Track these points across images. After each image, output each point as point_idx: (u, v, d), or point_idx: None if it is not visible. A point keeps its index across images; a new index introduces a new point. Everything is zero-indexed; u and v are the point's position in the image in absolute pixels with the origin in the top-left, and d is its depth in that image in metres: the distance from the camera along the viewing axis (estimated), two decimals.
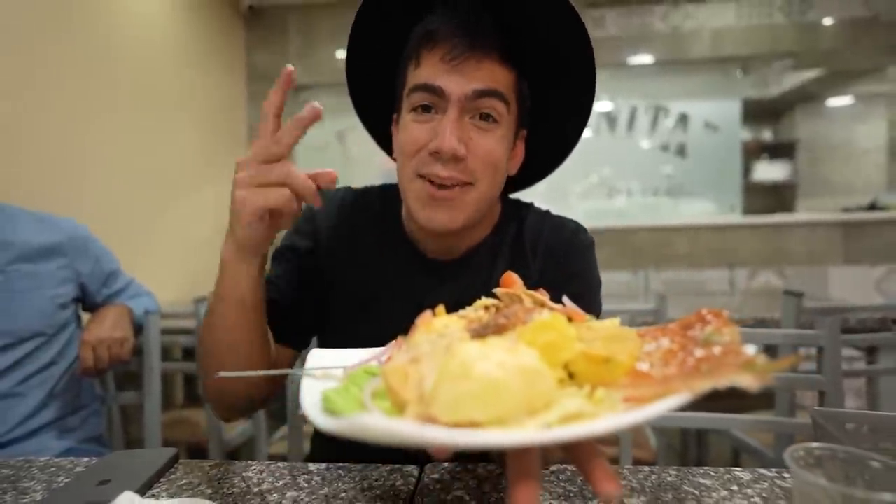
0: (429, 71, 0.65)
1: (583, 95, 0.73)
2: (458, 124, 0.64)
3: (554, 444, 0.29)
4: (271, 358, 0.71)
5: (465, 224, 0.69)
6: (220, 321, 0.63)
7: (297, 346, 0.79)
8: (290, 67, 0.57)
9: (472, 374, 0.31)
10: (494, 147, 0.67)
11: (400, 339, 0.44)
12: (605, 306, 0.81)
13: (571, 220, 0.81)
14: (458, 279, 0.75)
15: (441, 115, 0.65)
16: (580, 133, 0.77)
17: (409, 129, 0.67)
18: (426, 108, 0.66)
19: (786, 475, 0.55)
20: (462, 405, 0.30)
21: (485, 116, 0.66)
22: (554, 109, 0.75)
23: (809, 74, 4.72)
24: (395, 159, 0.75)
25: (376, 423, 0.28)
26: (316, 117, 0.55)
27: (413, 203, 0.69)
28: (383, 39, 0.72)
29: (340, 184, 0.86)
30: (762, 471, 0.56)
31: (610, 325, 0.40)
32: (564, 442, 0.29)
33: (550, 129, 0.77)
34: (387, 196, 0.80)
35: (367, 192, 0.82)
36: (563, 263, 0.75)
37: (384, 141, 0.83)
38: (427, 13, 0.68)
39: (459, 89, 0.64)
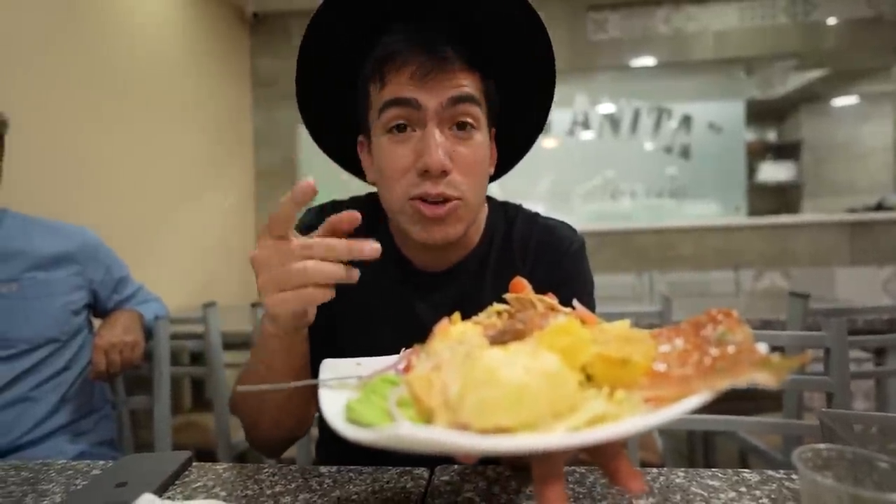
0: (398, 88, 0.64)
1: (545, 86, 0.73)
2: (441, 138, 0.63)
3: (585, 447, 0.30)
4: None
5: (462, 235, 0.69)
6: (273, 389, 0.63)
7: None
8: (311, 181, 0.49)
9: (498, 380, 0.32)
10: (476, 155, 0.66)
11: (416, 347, 0.45)
12: (610, 309, 0.81)
13: (561, 222, 0.80)
14: (450, 289, 0.75)
15: (419, 130, 0.64)
16: (544, 121, 0.78)
17: (389, 152, 0.65)
18: (401, 128, 0.65)
19: (794, 477, 0.55)
20: (490, 411, 0.31)
21: (461, 125, 0.65)
22: (517, 102, 0.75)
23: (814, 74, 4.72)
24: (370, 182, 0.75)
25: (411, 433, 0.28)
26: (309, 194, 0.50)
27: (408, 224, 0.68)
28: (336, 63, 0.71)
29: (343, 188, 0.87)
30: (770, 472, 0.56)
31: (621, 326, 0.41)
32: (596, 444, 0.30)
33: (514, 122, 0.76)
34: (374, 205, 0.78)
35: (354, 202, 0.81)
36: (554, 266, 0.75)
37: (343, 162, 0.83)
38: (382, 34, 0.66)
39: (435, 100, 0.63)
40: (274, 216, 0.51)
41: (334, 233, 0.53)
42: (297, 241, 0.51)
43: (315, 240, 0.51)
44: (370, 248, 0.50)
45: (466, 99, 0.64)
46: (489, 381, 0.32)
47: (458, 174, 0.65)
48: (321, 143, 0.80)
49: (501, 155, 0.78)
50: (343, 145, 0.79)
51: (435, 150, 0.62)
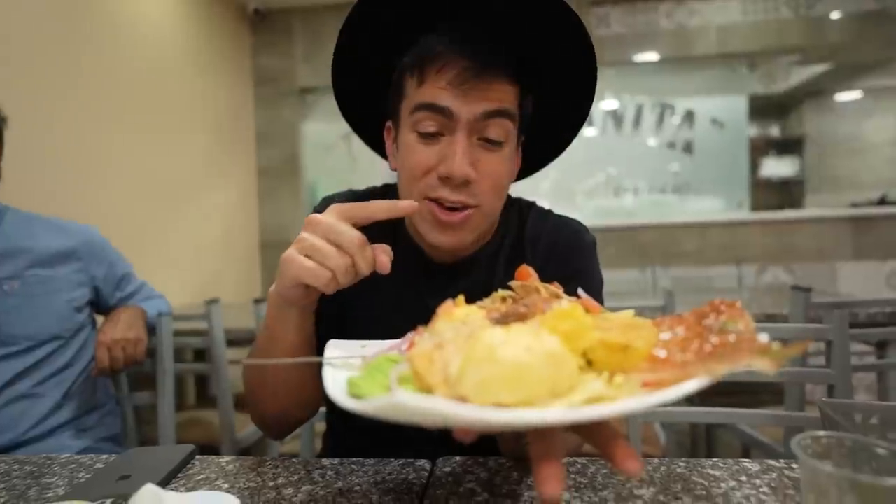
0: (435, 91, 0.64)
1: (583, 100, 0.74)
2: (467, 147, 0.64)
3: (580, 424, 0.31)
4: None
5: (473, 242, 0.71)
6: (268, 354, 0.64)
7: None
8: (415, 205, 0.58)
9: (498, 358, 0.32)
10: (501, 168, 0.67)
11: (420, 328, 0.45)
12: (613, 304, 0.81)
13: (573, 220, 0.81)
14: (461, 280, 0.76)
15: (448, 135, 0.64)
16: (576, 133, 0.78)
17: (415, 150, 0.66)
18: (432, 133, 0.65)
19: (794, 466, 0.55)
20: (489, 387, 0.31)
21: (491, 140, 0.65)
22: (553, 115, 0.75)
23: (817, 69, 4.70)
24: (393, 168, 0.75)
25: (411, 402, 0.28)
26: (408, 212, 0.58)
27: (421, 224, 0.68)
28: (375, 49, 0.71)
29: (346, 184, 0.87)
30: (771, 462, 0.57)
31: (625, 315, 0.41)
32: (592, 421, 0.31)
33: (547, 132, 0.77)
34: (390, 197, 0.80)
35: (371, 193, 0.82)
36: (564, 263, 0.75)
37: (368, 137, 0.84)
38: (425, 29, 0.67)
39: (469, 111, 0.63)
40: (360, 207, 0.56)
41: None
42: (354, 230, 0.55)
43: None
44: (382, 264, 0.56)
45: (500, 114, 0.64)
46: (490, 359, 0.32)
47: (480, 183, 0.65)
48: (351, 122, 0.81)
49: (527, 159, 0.79)
50: (372, 124, 0.80)
51: (460, 159, 0.63)
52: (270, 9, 3.78)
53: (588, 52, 0.68)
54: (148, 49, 2.68)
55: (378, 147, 0.83)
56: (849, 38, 3.57)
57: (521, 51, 0.66)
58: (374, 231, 0.79)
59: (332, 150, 4.13)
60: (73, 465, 0.64)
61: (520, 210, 0.81)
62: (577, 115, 0.76)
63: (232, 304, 2.32)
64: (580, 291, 0.48)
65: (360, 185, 0.86)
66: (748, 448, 1.72)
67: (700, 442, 1.91)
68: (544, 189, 4.33)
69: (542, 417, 0.30)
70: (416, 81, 0.66)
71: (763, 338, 0.35)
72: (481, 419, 0.29)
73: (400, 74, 0.69)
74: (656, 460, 0.58)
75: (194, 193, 3.06)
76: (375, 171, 4.04)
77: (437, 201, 0.65)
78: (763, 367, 0.32)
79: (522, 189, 0.83)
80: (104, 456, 0.67)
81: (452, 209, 0.65)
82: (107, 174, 2.34)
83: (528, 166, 0.82)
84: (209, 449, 1.87)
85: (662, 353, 0.36)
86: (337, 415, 0.82)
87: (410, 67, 0.67)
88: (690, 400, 1.86)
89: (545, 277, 0.53)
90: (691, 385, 0.32)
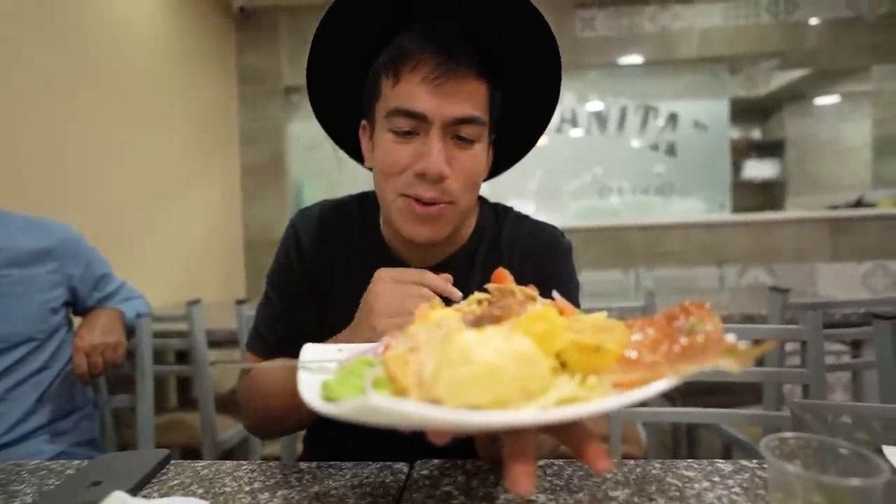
0: (409, 91, 0.65)
1: (550, 96, 0.75)
2: (442, 147, 0.65)
3: (553, 425, 0.31)
4: None
5: (448, 236, 0.72)
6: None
7: None
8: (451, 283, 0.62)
9: (471, 360, 0.32)
10: (474, 165, 0.69)
11: (395, 332, 0.45)
12: (596, 304, 0.82)
13: (549, 225, 0.82)
14: None
15: (422, 135, 0.66)
16: (544, 127, 0.79)
17: (391, 150, 0.67)
18: (407, 131, 0.67)
19: (766, 466, 0.56)
20: (462, 389, 0.32)
21: (464, 138, 0.67)
22: (521, 110, 0.77)
23: (796, 74, 4.78)
24: (367, 167, 0.76)
25: (384, 405, 0.28)
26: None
27: (397, 218, 0.70)
28: (350, 51, 0.72)
29: (332, 184, 0.87)
30: (744, 462, 0.57)
31: (598, 317, 0.42)
32: (563, 422, 0.31)
33: (516, 127, 0.78)
34: (364, 205, 0.81)
35: (345, 202, 0.83)
36: (540, 267, 0.76)
37: (342, 141, 0.83)
38: (398, 29, 0.68)
39: (442, 115, 0.65)
40: (432, 279, 0.61)
41: None
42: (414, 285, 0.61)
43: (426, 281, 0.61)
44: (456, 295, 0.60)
45: (471, 121, 0.66)
46: (463, 360, 0.32)
47: (454, 180, 0.67)
48: (324, 125, 0.81)
49: (498, 156, 0.79)
50: (345, 127, 0.80)
51: (436, 158, 0.64)
52: (256, 7, 3.75)
53: (553, 52, 0.70)
54: (131, 46, 2.64)
55: (350, 150, 0.83)
56: (826, 43, 3.64)
57: (490, 47, 0.68)
58: (342, 237, 0.79)
59: (318, 150, 4.10)
60: (43, 472, 0.63)
61: (496, 214, 0.82)
62: (544, 112, 0.78)
63: (214, 304, 2.29)
64: (555, 293, 0.48)
65: (345, 185, 0.86)
66: (729, 447, 1.75)
67: (681, 442, 1.93)
68: (530, 189, 4.34)
69: (515, 419, 0.30)
70: (391, 81, 0.67)
71: (730, 338, 0.35)
72: (453, 421, 0.29)
73: (375, 75, 0.70)
74: (632, 462, 0.58)
75: (177, 192, 3.02)
76: (360, 171, 4.03)
77: (413, 197, 0.67)
78: (729, 366, 0.32)
79: (509, 190, 0.83)
80: (76, 462, 0.66)
81: (428, 204, 0.67)
82: (88, 172, 2.30)
83: (499, 163, 0.83)
84: (190, 451, 1.84)
85: (633, 354, 0.36)
86: (317, 417, 0.82)
87: (385, 67, 0.68)
88: (672, 400, 1.89)
89: (521, 281, 0.53)
90: (661, 385, 0.33)
